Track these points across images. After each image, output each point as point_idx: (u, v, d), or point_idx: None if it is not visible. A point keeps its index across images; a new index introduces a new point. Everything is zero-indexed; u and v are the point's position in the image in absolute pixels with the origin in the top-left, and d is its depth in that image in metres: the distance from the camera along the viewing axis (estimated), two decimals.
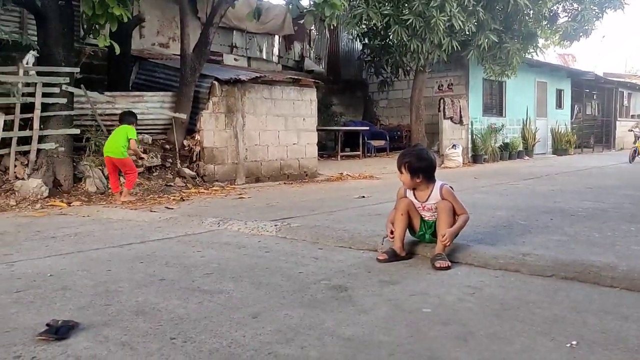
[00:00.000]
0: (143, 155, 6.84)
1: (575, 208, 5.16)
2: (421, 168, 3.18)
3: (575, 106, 19.75)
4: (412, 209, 3.24)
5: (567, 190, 6.89)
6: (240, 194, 6.94)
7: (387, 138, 13.23)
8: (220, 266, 3.10)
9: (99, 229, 4.47)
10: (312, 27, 13.86)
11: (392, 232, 3.21)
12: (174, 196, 6.63)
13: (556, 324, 2.11)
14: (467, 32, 10.71)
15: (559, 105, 18.10)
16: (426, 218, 3.27)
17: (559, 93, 18.07)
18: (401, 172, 3.21)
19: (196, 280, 2.80)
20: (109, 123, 7.54)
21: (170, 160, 7.83)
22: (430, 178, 3.23)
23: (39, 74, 6.48)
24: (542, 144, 16.77)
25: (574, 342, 1.92)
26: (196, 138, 8.07)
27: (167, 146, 7.97)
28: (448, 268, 2.93)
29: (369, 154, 12.80)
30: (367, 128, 13.01)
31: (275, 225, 4.18)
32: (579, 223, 4.30)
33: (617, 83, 21.24)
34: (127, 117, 6.34)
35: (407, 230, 3.27)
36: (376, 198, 6.31)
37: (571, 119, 19.07)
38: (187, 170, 7.77)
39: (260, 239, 3.89)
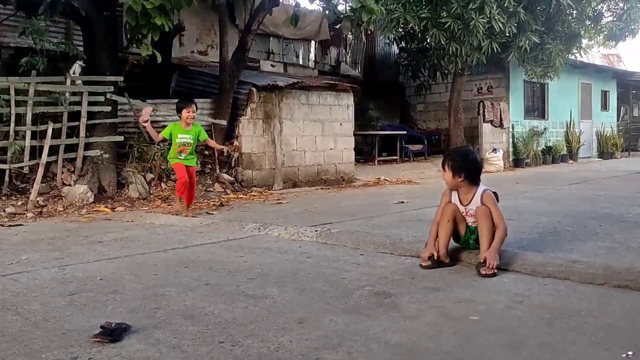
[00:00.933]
0: (217, 146, 6.45)
1: (625, 214, 5.01)
2: (464, 167, 3.16)
3: (622, 108, 19.14)
4: (458, 215, 3.21)
5: (615, 195, 6.69)
6: (278, 199, 7.00)
7: (425, 142, 13.10)
8: (263, 271, 3.14)
9: (143, 234, 4.58)
10: (349, 33, 13.90)
11: (435, 239, 3.19)
12: (214, 201, 6.73)
13: (610, 333, 2.05)
14: (508, 34, 10.53)
15: (605, 107, 17.57)
16: (469, 223, 3.24)
17: (604, 94, 17.54)
18: (444, 170, 3.19)
19: (240, 285, 2.84)
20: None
21: (209, 166, 7.97)
22: (473, 180, 3.20)
23: (85, 83, 6.73)
24: (586, 147, 16.30)
25: (629, 353, 1.87)
26: (235, 144, 8.19)
27: (207, 152, 8.12)
28: (494, 275, 2.89)
29: (406, 159, 12.71)
30: (405, 132, 12.91)
31: (316, 231, 4.20)
32: (629, 229, 4.18)
33: None
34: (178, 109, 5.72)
35: (453, 237, 3.24)
36: (415, 203, 6.27)
37: (617, 121, 18.48)
38: (226, 176, 7.89)
39: (301, 245, 3.92)
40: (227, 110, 8.20)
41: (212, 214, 5.74)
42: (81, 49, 7.38)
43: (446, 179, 3.21)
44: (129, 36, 6.59)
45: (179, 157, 5.56)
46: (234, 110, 8.33)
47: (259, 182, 8.26)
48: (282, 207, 6.24)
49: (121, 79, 6.97)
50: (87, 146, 6.73)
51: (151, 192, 6.97)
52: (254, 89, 8.30)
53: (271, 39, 12.46)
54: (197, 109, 5.71)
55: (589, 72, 16.24)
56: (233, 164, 8.16)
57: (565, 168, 12.95)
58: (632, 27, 12.47)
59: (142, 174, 7.02)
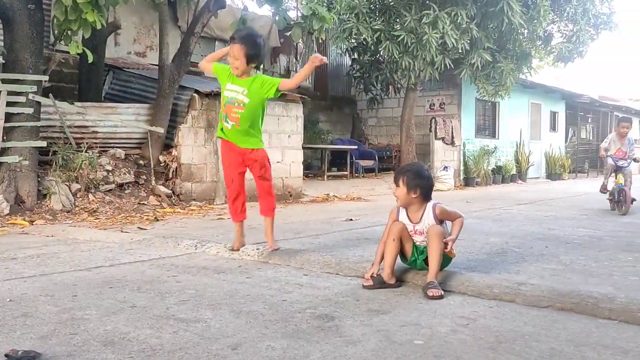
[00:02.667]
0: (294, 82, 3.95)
1: (571, 235, 5.22)
2: (419, 185, 3.21)
3: (570, 129, 20.12)
4: (405, 234, 3.24)
5: (562, 216, 6.97)
6: (219, 215, 6.89)
7: (376, 158, 13.31)
8: (197, 292, 3.06)
9: (65, 250, 4.39)
10: (300, 41, 13.99)
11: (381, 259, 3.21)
12: (148, 216, 6.55)
13: (554, 358, 2.10)
14: (460, 50, 10.90)
15: (553, 128, 18.43)
16: (418, 243, 3.27)
17: (554, 115, 18.41)
18: (397, 185, 3.22)
19: (171, 307, 2.75)
20: (78, 136, 7.48)
21: (144, 177, 7.76)
22: (426, 197, 3.25)
23: (3, 81, 6.40)
24: (535, 167, 17.01)
25: None
26: (173, 154, 8.03)
27: (142, 162, 7.91)
28: (441, 297, 2.93)
29: (356, 174, 12.85)
30: (356, 147, 13.08)
31: (257, 249, 4.14)
32: (574, 251, 4.35)
33: (612, 106, 21.72)
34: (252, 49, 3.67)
35: (399, 257, 3.27)
36: (364, 221, 6.31)
37: (565, 142, 19.41)
38: (162, 188, 7.70)
39: (240, 264, 3.86)
40: (166, 117, 8.04)
41: (145, 229, 5.58)
42: (1, 43, 7.04)
43: (399, 195, 3.23)
44: (56, 32, 6.34)
45: (226, 124, 3.68)
46: (173, 117, 8.17)
47: (199, 196, 8.11)
48: (223, 223, 6.13)
49: (46, 78, 6.67)
50: (4, 151, 6.39)
51: (76, 204, 6.70)
52: (196, 95, 8.18)
53: (217, 43, 12.36)
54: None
55: (539, 93, 17.03)
56: (171, 175, 7.99)
57: (515, 188, 13.45)
58: (581, 49, 13.19)
59: (67, 183, 6.74)
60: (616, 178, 7.46)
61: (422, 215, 3.22)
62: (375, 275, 3.16)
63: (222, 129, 3.78)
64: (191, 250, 4.36)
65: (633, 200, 7.35)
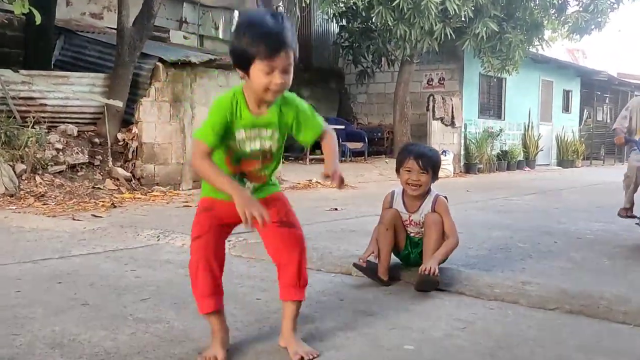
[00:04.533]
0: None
1: (583, 230, 5.30)
2: (438, 168, 3.26)
3: (585, 111, 20.33)
4: (399, 222, 3.26)
5: (574, 208, 7.07)
6: (186, 202, 6.87)
7: (366, 140, 13.33)
8: (159, 289, 3.05)
9: (7, 240, 4.35)
10: (280, 4, 13.88)
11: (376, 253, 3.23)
12: (104, 202, 6.51)
13: None
14: (463, 18, 10.91)
15: (566, 108, 18.61)
16: (412, 234, 3.30)
17: (567, 95, 18.58)
18: (425, 172, 3.17)
19: (129, 306, 2.75)
20: (24, 109, 7.37)
21: (99, 157, 7.69)
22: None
23: None
24: (545, 153, 17.19)
25: None
26: (133, 131, 7.96)
27: (97, 140, 7.84)
28: (436, 283, 3.00)
29: (343, 158, 12.86)
30: (342, 127, 13.08)
31: (229, 241, 4.12)
32: (586, 248, 4.41)
33: (634, 85, 21.93)
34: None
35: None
36: (351, 211, 6.33)
37: (579, 125, 19.61)
38: (120, 171, 7.65)
39: None
40: (126, 89, 7.95)
41: (100, 217, 5.55)
42: None
43: (425, 183, 3.19)
44: None
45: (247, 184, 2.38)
46: (134, 89, 8.09)
47: (163, 180, 8.06)
48: (190, 212, 6.10)
49: None
50: None
51: (21, 187, 6.62)
52: (161, 65, 8.10)
53: (185, 4, 12.22)
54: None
55: (551, 69, 17.15)
56: (130, 156, 7.92)
57: (521, 176, 13.58)
58: (599, 19, 13.24)
59: (10, 163, 6.65)
60: None
61: (421, 205, 3.25)
62: (370, 262, 3.21)
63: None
64: (153, 242, 4.35)
65: None
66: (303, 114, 2.36)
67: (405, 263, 3.38)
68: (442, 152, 12.75)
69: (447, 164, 12.58)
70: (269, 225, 2.24)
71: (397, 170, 3.28)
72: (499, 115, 15.62)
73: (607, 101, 22.13)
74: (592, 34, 13.62)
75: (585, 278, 3.42)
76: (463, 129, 14.05)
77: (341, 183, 2.34)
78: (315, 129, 2.39)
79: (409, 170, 3.18)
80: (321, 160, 10.45)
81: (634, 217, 4.95)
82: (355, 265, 3.26)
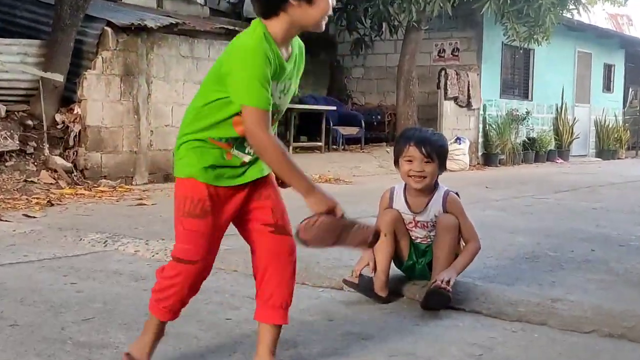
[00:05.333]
0: None
1: (626, 235, 5.32)
2: (445, 157, 3.26)
3: (630, 90, 20.42)
4: (401, 226, 3.26)
5: (615, 209, 7.11)
6: (140, 199, 6.85)
7: (363, 124, 13.33)
8: (106, 307, 3.04)
9: None
10: None
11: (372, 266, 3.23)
12: (38, 198, 6.47)
13: None
14: None
15: (608, 87, 18.69)
16: (418, 240, 3.30)
17: (608, 70, 18.65)
18: (431, 160, 3.15)
19: (68, 327, 2.74)
20: None
21: (33, 143, 7.65)
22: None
23: None
24: (581, 141, 17.28)
25: None
26: (75, 112, 7.92)
27: (30, 122, 7.79)
28: (447, 296, 3.01)
29: (335, 147, 12.86)
30: (334, 108, 13.07)
31: None
32: (631, 257, 4.44)
33: None
34: None
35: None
36: (344, 211, 6.32)
37: (624, 107, 19.70)
38: (59, 160, 7.61)
39: None
40: (66, 60, 7.90)
41: (34, 217, 5.51)
42: None
43: (431, 174, 3.17)
44: None
45: (240, 155, 2.28)
46: (76, 60, 8.03)
47: (112, 172, 8.03)
48: (145, 211, 6.10)
49: None
50: None
51: None
52: (110, 30, 8.04)
53: None
54: None
55: (590, 38, 17.21)
56: (72, 143, 7.88)
57: (553, 169, 13.63)
58: None
59: None
60: None
61: (428, 204, 3.25)
62: (364, 277, 3.22)
63: (215, 166, 2.23)
64: (99, 248, 4.32)
65: None
66: (298, 71, 2.38)
67: (408, 276, 3.38)
68: (456, 140, 12.78)
69: (462, 154, 12.61)
70: (261, 228, 2.28)
71: (396, 162, 3.27)
72: (525, 94, 15.66)
73: None
74: None
75: (628, 294, 3.44)
76: (481, 112, 14.08)
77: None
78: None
79: (410, 160, 3.17)
80: (309, 149, 10.43)
81: None
82: (345, 281, 3.25)
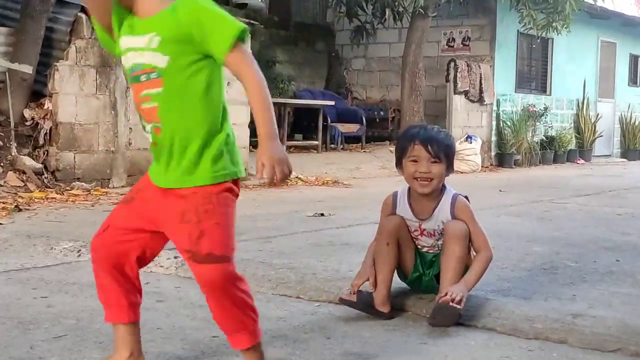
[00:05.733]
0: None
1: None
2: (453, 157, 3.26)
3: None
4: (405, 234, 3.26)
5: None
6: (117, 204, 6.83)
7: (364, 121, 13.34)
8: (79, 323, 3.04)
9: None
10: None
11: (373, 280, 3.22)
12: (4, 203, 6.46)
13: None
14: None
15: (634, 80, 18.72)
16: (424, 249, 3.30)
17: (635, 61, 18.69)
18: (438, 160, 3.16)
19: (37, 346, 2.73)
20: None
21: None
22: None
23: None
24: (605, 140, 17.31)
25: None
26: (46, 107, 7.91)
27: None
28: (458, 313, 3.00)
29: (333, 145, 12.87)
30: (332, 103, 13.09)
31: (176, 258, 4.12)
32: None
33: None
34: None
35: (395, 272, 3.30)
36: (342, 217, 6.35)
37: None
38: (27, 161, 7.60)
39: (149, 280, 3.83)
40: (35, 50, 7.91)
41: (0, 223, 5.51)
42: None
43: (438, 175, 3.17)
44: None
45: (146, 134, 2.39)
46: (47, 49, 8.04)
47: (87, 174, 8.03)
48: None
49: None
50: None
51: None
52: (84, 17, 8.04)
53: None
54: None
55: (614, 26, 17.24)
56: (42, 141, 7.88)
57: (573, 171, 13.66)
58: None
59: None
60: None
61: (435, 209, 3.25)
62: (362, 292, 3.20)
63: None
64: (72, 258, 4.31)
65: None
66: (205, 12, 2.24)
67: (414, 289, 3.38)
68: (467, 138, 12.81)
69: (473, 154, 12.63)
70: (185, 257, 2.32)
71: (399, 163, 3.26)
72: (543, 88, 15.70)
73: None
74: None
75: None
76: (495, 107, 14.11)
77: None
78: (225, 35, 2.22)
79: (415, 161, 3.16)
80: (304, 149, 10.42)
81: None
82: (342, 300, 3.21)
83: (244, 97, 9.69)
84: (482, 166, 12.97)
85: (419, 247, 3.31)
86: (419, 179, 3.17)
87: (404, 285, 3.40)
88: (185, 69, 2.24)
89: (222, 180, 2.25)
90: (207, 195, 2.23)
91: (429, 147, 3.14)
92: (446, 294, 3.02)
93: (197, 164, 2.24)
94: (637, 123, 18.03)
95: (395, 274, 3.31)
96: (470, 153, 12.56)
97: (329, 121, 12.79)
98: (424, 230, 3.27)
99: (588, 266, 4.42)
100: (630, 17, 18.16)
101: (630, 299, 3.63)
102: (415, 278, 3.34)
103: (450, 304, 2.99)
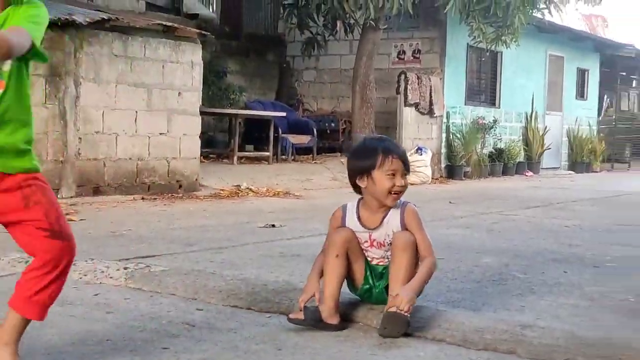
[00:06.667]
0: None
1: (602, 256, 5.42)
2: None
3: (606, 97, 20.86)
4: (354, 246, 3.27)
5: (590, 227, 7.26)
6: (66, 214, 6.73)
7: (315, 132, 13.36)
8: (26, 335, 2.97)
9: None
10: None
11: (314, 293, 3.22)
12: None
13: None
14: None
15: (581, 94, 19.05)
16: (374, 262, 3.31)
17: (582, 75, 19.02)
18: (407, 173, 3.25)
19: None
20: None
21: None
22: None
23: None
24: (553, 152, 17.57)
25: None
26: None
27: None
28: (405, 324, 3.01)
29: (284, 157, 12.85)
30: (283, 115, 13.07)
31: (126, 269, 4.09)
32: (606, 279, 4.52)
33: None
34: None
35: (345, 282, 3.31)
36: (294, 228, 6.36)
37: (598, 116, 20.09)
38: None
39: (98, 291, 3.80)
40: None
41: None
42: None
43: (404, 188, 3.24)
44: None
45: None
46: None
47: None
48: (73, 228, 5.98)
49: None
50: None
51: None
52: None
53: None
54: None
55: (562, 41, 17.55)
56: None
57: (522, 183, 13.83)
58: None
59: None
60: None
61: (385, 218, 3.27)
62: (309, 308, 3.18)
63: None
64: (20, 269, 4.23)
65: None
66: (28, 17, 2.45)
67: (365, 301, 3.38)
68: (417, 150, 12.90)
69: (424, 166, 12.71)
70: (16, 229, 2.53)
71: (358, 176, 3.24)
72: (492, 101, 15.89)
73: (634, 85, 22.72)
74: None
75: (604, 320, 3.50)
76: (445, 119, 14.23)
77: None
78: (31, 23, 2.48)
79: (392, 175, 3.18)
80: (255, 160, 10.39)
81: None
82: (290, 320, 3.17)
83: (195, 107, 9.60)
84: (432, 178, 13.06)
85: (369, 259, 3.32)
86: (394, 194, 3.20)
87: (355, 296, 3.41)
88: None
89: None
90: None
91: (406, 161, 3.20)
92: (395, 302, 3.03)
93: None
94: (584, 136, 18.35)
95: (346, 286, 3.32)
96: (420, 165, 12.64)
97: (280, 132, 12.78)
98: (374, 240, 3.28)
99: (536, 278, 4.48)
100: (578, 31, 18.52)
101: (578, 310, 3.68)
102: (365, 290, 3.34)
103: (397, 311, 3.01)
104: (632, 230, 7.14)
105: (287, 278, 4.12)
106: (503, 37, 12.75)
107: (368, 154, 3.24)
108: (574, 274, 4.66)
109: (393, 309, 3.03)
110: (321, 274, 3.24)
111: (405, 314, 3.02)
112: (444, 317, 3.28)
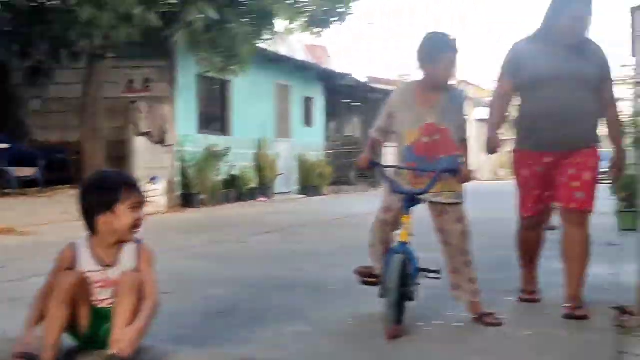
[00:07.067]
0: None
1: (327, 279, 5.70)
2: None
3: (331, 124, 22.06)
4: (81, 291, 3.13)
5: (316, 251, 7.60)
6: None
7: (40, 164, 12.80)
8: None
9: None
10: None
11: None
12: None
13: None
14: (173, 1, 11.10)
15: (308, 121, 19.97)
16: (104, 304, 3.17)
17: (308, 103, 19.96)
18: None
19: None
20: None
21: None
22: None
23: None
24: (285, 177, 18.19)
25: None
26: None
27: None
28: None
29: (7, 190, 12.18)
30: (7, 146, 12.41)
31: None
32: (327, 303, 4.75)
33: (385, 92, 24.32)
34: None
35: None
36: (18, 269, 6.03)
37: (325, 142, 21.18)
38: None
39: None
40: None
41: None
42: None
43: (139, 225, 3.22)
44: None
45: None
46: None
47: None
48: None
49: None
50: None
51: None
52: None
53: None
54: None
55: (288, 70, 18.32)
56: None
57: (255, 209, 14.19)
58: (341, 9, 14.36)
59: None
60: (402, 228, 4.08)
61: (119, 254, 3.21)
62: (29, 354, 3.02)
63: None
64: None
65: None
66: None
67: (89, 348, 3.25)
68: (151, 180, 12.75)
69: (157, 195, 12.61)
70: None
71: (98, 211, 3.15)
72: (225, 129, 16.14)
73: (356, 112, 24.24)
74: (331, 26, 14.71)
75: (323, 345, 3.66)
76: (178, 148, 14.22)
77: None
78: None
79: (136, 207, 3.17)
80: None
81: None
82: None
83: None
84: (168, 207, 12.99)
85: (97, 302, 3.19)
86: (137, 228, 3.18)
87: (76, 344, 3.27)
88: None
89: None
90: None
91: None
92: (117, 345, 2.96)
93: None
94: (312, 162, 19.19)
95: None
96: (154, 194, 12.53)
97: (4, 165, 12.12)
98: (109, 280, 3.17)
99: (264, 305, 4.60)
100: (301, 61, 19.39)
101: (300, 337, 3.81)
102: (89, 336, 3.21)
103: (116, 353, 2.94)
104: (352, 253, 7.53)
105: (7, 324, 3.85)
106: (231, 67, 13.00)
107: (109, 188, 3.18)
108: (299, 298, 4.85)
109: (114, 351, 2.95)
110: (41, 319, 3.08)
111: (127, 355, 2.95)
112: (165, 353, 3.26)
